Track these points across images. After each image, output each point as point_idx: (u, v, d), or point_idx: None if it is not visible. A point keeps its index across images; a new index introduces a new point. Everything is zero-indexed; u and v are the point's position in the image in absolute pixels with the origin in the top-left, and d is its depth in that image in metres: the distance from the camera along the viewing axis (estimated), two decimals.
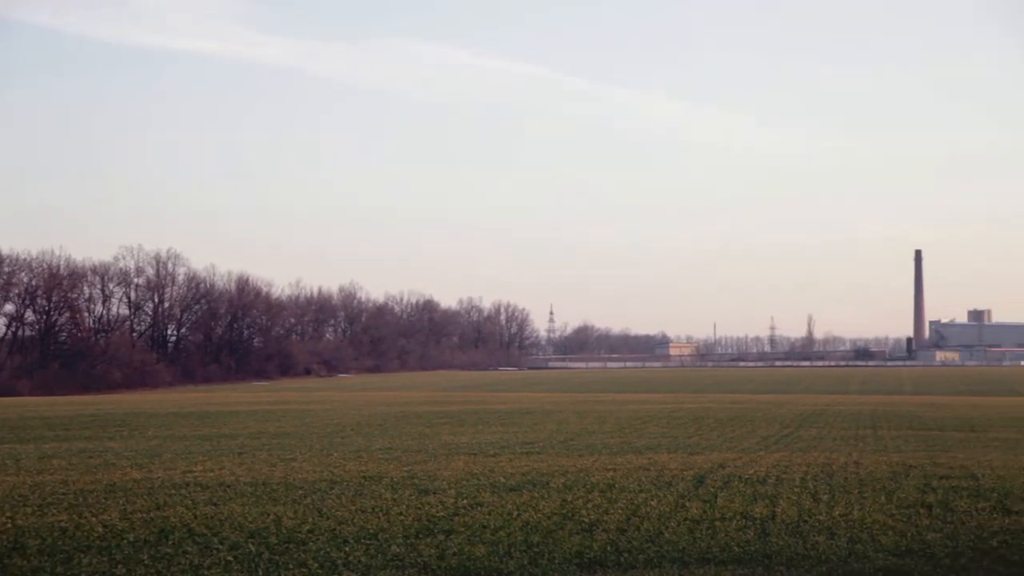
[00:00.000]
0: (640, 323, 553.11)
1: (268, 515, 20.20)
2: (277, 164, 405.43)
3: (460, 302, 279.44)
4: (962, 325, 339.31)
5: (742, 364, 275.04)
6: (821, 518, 19.71)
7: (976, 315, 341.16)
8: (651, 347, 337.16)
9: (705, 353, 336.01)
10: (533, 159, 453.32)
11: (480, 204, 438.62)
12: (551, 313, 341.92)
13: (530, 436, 41.15)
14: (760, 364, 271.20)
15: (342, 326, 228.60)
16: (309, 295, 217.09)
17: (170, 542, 17.70)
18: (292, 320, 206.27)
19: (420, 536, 18.15)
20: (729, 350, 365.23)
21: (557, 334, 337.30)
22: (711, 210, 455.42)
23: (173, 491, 23.97)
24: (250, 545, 17.38)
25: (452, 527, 18.92)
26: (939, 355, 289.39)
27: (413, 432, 43.58)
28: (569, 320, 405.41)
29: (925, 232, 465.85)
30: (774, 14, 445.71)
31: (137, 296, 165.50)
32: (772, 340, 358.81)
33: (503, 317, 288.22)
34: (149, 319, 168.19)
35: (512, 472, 27.29)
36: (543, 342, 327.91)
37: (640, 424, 48.36)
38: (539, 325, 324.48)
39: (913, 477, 25.84)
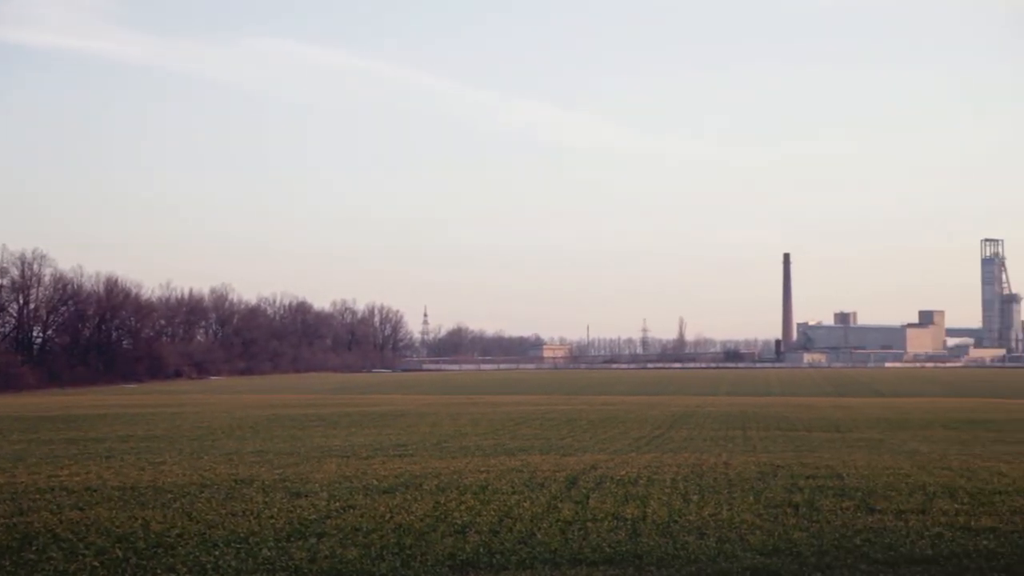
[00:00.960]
0: (514, 325, 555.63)
1: (136, 519, 19.87)
2: (146, 163, 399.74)
3: (334, 304, 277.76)
4: (829, 327, 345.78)
5: (615, 366, 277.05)
6: (691, 518, 19.94)
7: (842, 317, 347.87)
8: (525, 349, 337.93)
9: (578, 355, 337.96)
10: (405, 159, 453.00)
11: (354, 205, 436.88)
12: (425, 315, 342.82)
13: (403, 438, 41.05)
14: (632, 366, 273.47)
15: (213, 328, 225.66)
16: (180, 296, 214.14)
17: (34, 548, 17.32)
18: (162, 322, 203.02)
19: (291, 539, 17.99)
20: (602, 352, 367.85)
21: (431, 336, 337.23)
22: (584, 213, 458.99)
23: (38, 496, 23.47)
24: (117, 550, 17.06)
25: (324, 530, 18.80)
26: (807, 357, 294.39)
27: (285, 435, 43.22)
28: (443, 322, 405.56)
29: (793, 235, 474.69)
30: (650, 20, 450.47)
31: (1, 297, 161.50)
32: (644, 342, 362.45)
33: (377, 319, 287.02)
34: (13, 321, 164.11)
35: (385, 474, 27.21)
36: (417, 344, 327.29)
37: (513, 426, 48.51)
38: (413, 327, 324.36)
39: (780, 477, 26.28)
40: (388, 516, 20.18)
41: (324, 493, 23.46)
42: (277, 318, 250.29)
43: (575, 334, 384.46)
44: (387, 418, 55.18)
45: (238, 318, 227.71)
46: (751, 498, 22.55)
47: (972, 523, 19.59)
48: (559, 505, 21.48)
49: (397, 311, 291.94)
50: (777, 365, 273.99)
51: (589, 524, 19.29)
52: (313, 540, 17.89)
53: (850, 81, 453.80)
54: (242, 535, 18.30)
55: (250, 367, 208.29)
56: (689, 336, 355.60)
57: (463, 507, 21.21)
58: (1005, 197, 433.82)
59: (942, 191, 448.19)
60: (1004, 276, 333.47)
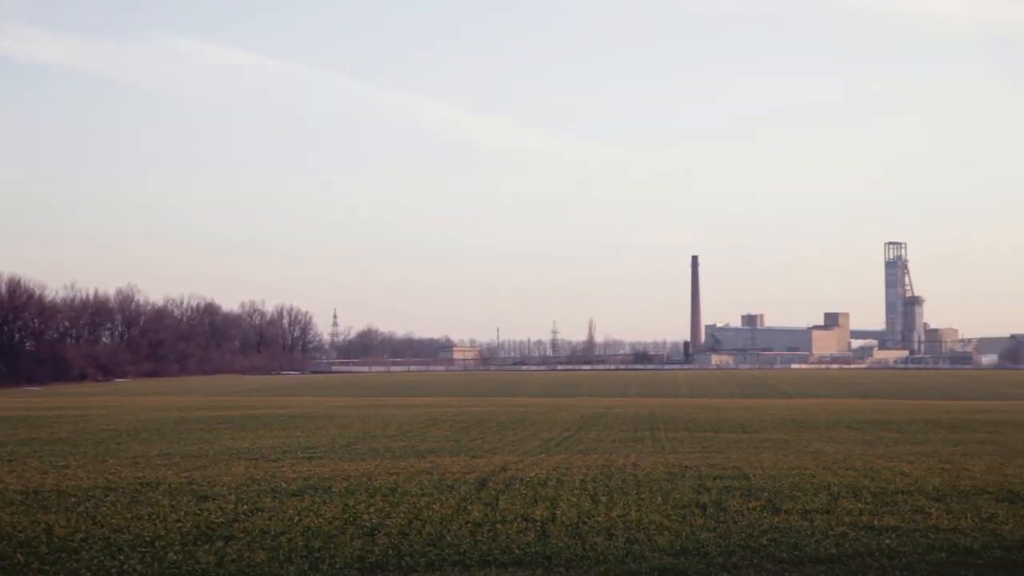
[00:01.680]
0: (424, 327, 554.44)
1: (39, 524, 19.55)
2: (45, 162, 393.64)
3: (242, 305, 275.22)
4: (736, 329, 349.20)
5: (525, 368, 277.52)
6: (600, 519, 20.04)
7: (749, 319, 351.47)
8: (435, 351, 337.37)
9: (488, 357, 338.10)
10: (314, 158, 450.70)
11: (262, 206, 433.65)
12: (335, 317, 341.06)
13: (312, 440, 40.82)
14: (542, 368, 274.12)
15: (119, 330, 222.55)
16: (85, 298, 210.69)
17: None
18: (67, 323, 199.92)
19: (198, 543, 17.81)
20: (512, 354, 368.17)
21: (341, 338, 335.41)
22: (493, 215, 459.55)
23: None
24: (19, 555, 16.78)
25: (231, 533, 18.63)
26: (714, 358, 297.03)
27: (192, 437, 42.78)
28: (353, 324, 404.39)
29: (702, 238, 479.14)
30: (558, 21, 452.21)
31: None
32: (554, 344, 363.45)
33: (286, 320, 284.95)
34: None
35: (293, 477, 27.04)
36: (327, 346, 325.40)
37: (423, 428, 48.43)
38: (323, 329, 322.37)
39: (688, 478, 26.50)
40: (296, 519, 20.05)
41: (232, 496, 23.25)
42: (184, 320, 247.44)
43: (485, 336, 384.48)
44: (296, 420, 54.82)
45: (145, 320, 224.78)
46: (659, 499, 22.71)
47: (875, 522, 19.89)
48: (469, 507, 21.47)
49: (306, 313, 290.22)
50: (685, 367, 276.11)
51: (499, 526, 19.31)
52: (220, 544, 17.72)
53: (752, 85, 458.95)
54: (147, 539, 18.09)
55: (157, 369, 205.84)
56: (599, 338, 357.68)
57: (372, 509, 21.14)
58: (908, 200, 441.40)
59: (847, 194, 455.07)
60: (907, 279, 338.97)
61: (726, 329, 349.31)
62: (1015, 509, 21.63)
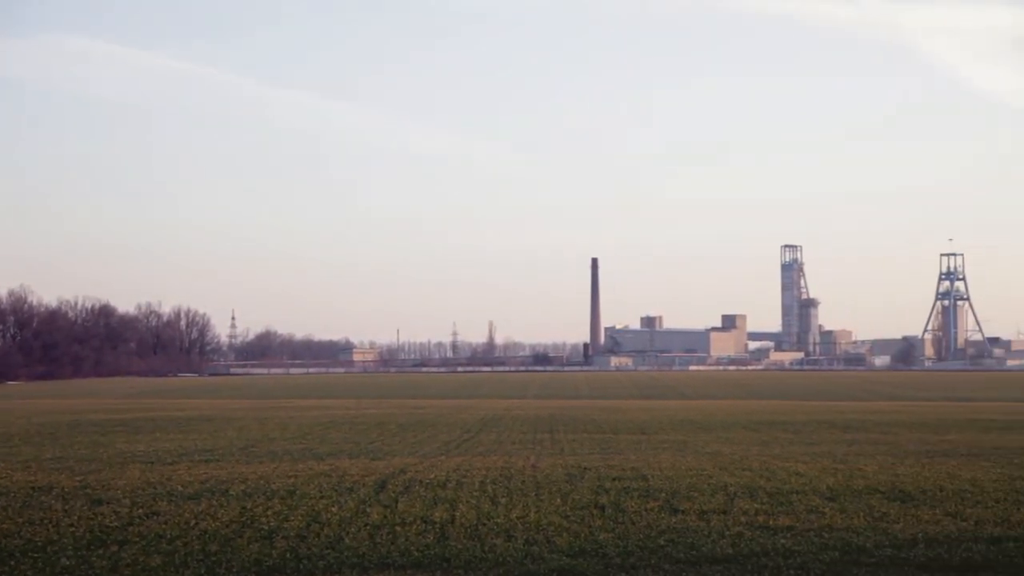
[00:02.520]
0: (324, 329, 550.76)
1: None
2: None
3: (138, 307, 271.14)
4: (635, 331, 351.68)
5: (425, 370, 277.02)
6: (499, 520, 20.07)
7: (648, 321, 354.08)
8: (335, 353, 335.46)
9: (388, 359, 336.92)
10: (210, 161, 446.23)
11: (159, 207, 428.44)
12: (233, 318, 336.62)
13: (209, 443, 40.39)
14: (443, 370, 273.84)
15: (11, 331, 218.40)
16: None
17: None
18: None
19: (92, 547, 17.56)
20: (412, 355, 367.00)
21: (239, 339, 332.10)
22: (393, 216, 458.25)
23: None
24: None
25: (126, 537, 18.39)
26: (614, 360, 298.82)
27: (86, 441, 42.11)
28: (251, 326, 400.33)
29: (601, 240, 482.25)
30: (460, 20, 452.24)
31: None
32: (454, 346, 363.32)
33: (183, 322, 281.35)
34: None
35: (190, 480, 26.75)
36: (225, 348, 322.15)
37: (322, 430, 48.14)
38: (221, 331, 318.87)
39: (587, 479, 26.63)
40: (193, 522, 19.86)
41: (127, 500, 22.95)
42: (79, 321, 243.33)
43: (385, 338, 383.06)
44: (193, 423, 54.22)
45: (38, 321, 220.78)
46: (558, 500, 22.81)
47: (771, 522, 20.16)
48: (368, 509, 21.41)
49: (204, 314, 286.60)
50: (585, 368, 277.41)
51: (398, 528, 19.27)
52: (115, 548, 17.49)
53: (650, 85, 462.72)
54: (40, 544, 17.79)
55: (50, 372, 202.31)
56: (499, 340, 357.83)
57: (270, 512, 20.99)
58: (804, 203, 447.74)
59: (743, 197, 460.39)
60: (803, 281, 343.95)
61: (625, 331, 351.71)
62: (906, 508, 22.04)
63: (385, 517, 20.41)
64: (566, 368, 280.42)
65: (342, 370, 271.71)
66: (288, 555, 16.92)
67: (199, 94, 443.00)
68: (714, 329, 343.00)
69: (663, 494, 23.83)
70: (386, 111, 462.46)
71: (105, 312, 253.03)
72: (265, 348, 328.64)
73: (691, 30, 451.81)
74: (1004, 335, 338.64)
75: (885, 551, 17.54)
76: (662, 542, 18.14)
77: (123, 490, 24.72)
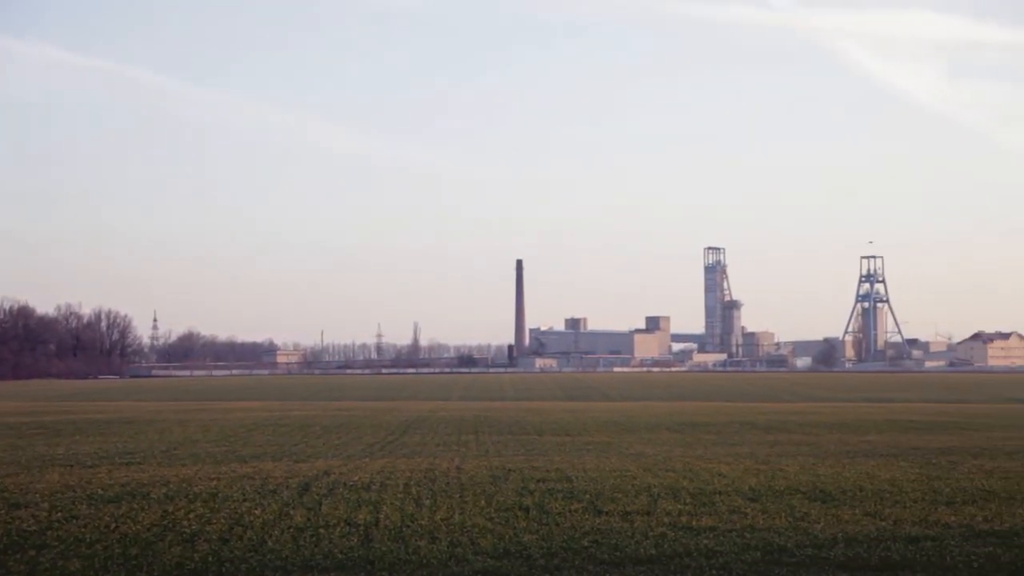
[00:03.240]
0: (247, 330, 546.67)
1: None
2: None
3: (58, 308, 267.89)
4: (560, 333, 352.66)
5: (349, 371, 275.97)
6: (423, 523, 20.05)
7: (573, 323, 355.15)
8: (258, 354, 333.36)
9: (312, 360, 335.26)
10: (127, 159, 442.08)
11: (79, 206, 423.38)
12: (155, 320, 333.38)
13: (130, 446, 39.98)
14: (367, 371, 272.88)
15: None
16: None
17: None
18: None
19: (9, 552, 17.31)
20: (337, 357, 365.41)
21: (161, 341, 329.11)
22: (317, 216, 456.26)
23: None
24: None
25: (44, 541, 18.16)
26: (538, 362, 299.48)
27: (4, 444, 41.51)
28: (174, 327, 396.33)
29: (526, 242, 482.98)
30: (380, 19, 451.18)
31: None
32: (379, 347, 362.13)
33: (104, 324, 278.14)
34: None
35: (110, 483, 26.45)
36: (147, 350, 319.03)
37: (245, 432, 47.82)
38: (142, 332, 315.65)
39: (512, 481, 26.67)
40: (113, 526, 19.65)
41: (45, 503, 22.65)
42: None
43: (309, 339, 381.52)
44: (114, 425, 53.63)
45: None
46: (483, 502, 22.82)
47: (694, 523, 20.29)
48: (291, 512, 21.30)
49: (125, 316, 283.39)
50: (510, 370, 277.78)
51: (321, 530, 19.18)
52: (32, 552, 17.26)
53: (572, 87, 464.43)
54: None
55: None
56: (424, 341, 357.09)
57: (192, 515, 20.82)
58: (726, 206, 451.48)
59: (667, 200, 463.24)
60: (726, 283, 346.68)
61: (550, 333, 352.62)
62: (826, 508, 22.28)
63: (309, 520, 20.32)
64: (491, 370, 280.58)
65: (266, 372, 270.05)
66: (210, 559, 16.79)
67: (125, 94, 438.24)
68: (638, 331, 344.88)
69: (587, 495, 23.92)
70: (308, 111, 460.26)
71: (24, 313, 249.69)
72: (188, 350, 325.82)
73: (610, 32, 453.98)
74: (922, 337, 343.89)
75: (806, 551, 17.72)
76: (586, 543, 18.20)
77: (41, 493, 24.40)
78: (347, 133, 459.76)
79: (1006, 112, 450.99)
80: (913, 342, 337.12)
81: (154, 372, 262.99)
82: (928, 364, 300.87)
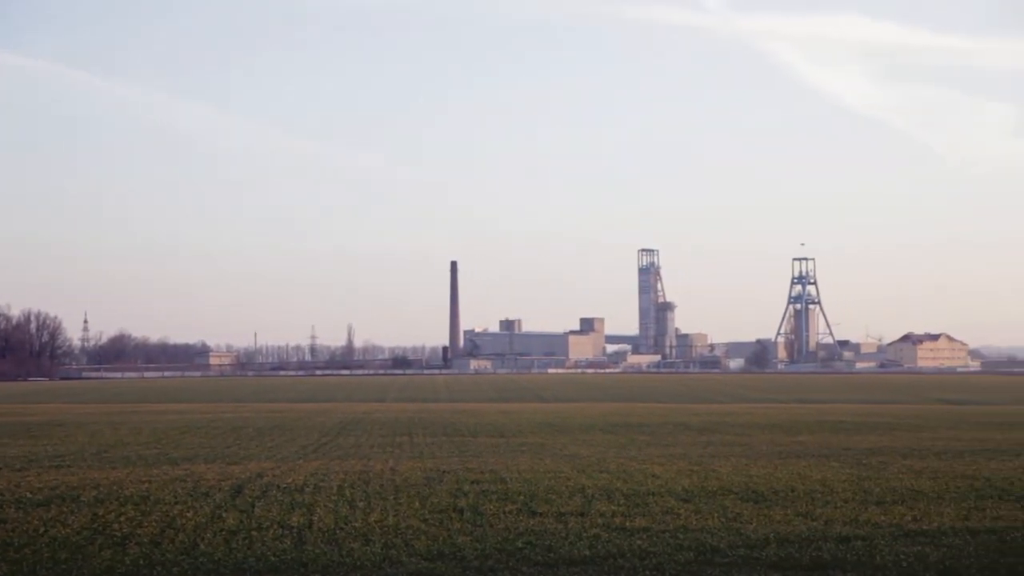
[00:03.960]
0: (179, 332, 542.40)
1: None
2: None
3: None
4: (494, 334, 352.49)
5: (283, 373, 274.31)
6: (357, 525, 19.99)
7: (507, 325, 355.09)
8: (191, 356, 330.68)
9: (246, 362, 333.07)
10: (56, 160, 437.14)
11: (6, 208, 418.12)
12: (85, 322, 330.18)
13: (60, 448, 39.54)
14: (301, 373, 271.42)
15: None
16: None
17: None
18: None
19: None
20: (270, 359, 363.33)
21: (92, 343, 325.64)
22: (248, 218, 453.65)
23: None
24: None
25: None
26: (473, 363, 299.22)
27: None
28: (105, 329, 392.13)
29: (461, 244, 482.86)
30: (314, 19, 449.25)
31: None
32: (313, 349, 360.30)
33: (33, 325, 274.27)
34: None
35: (40, 486, 26.14)
36: (77, 351, 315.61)
37: (178, 435, 47.45)
38: (73, 334, 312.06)
39: (446, 482, 26.66)
40: (42, 530, 19.43)
41: None
42: None
43: (242, 341, 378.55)
44: (43, 428, 53.01)
45: None
46: (417, 503, 22.79)
47: (627, 524, 20.38)
48: (224, 514, 21.16)
49: (55, 317, 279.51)
50: (444, 371, 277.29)
51: (254, 533, 19.08)
52: None
53: (510, 88, 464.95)
54: None
55: None
56: (358, 343, 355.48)
57: (123, 519, 20.63)
58: (660, 208, 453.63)
59: (602, 202, 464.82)
60: (659, 285, 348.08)
61: (484, 334, 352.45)
62: (759, 509, 22.45)
63: (241, 522, 20.20)
64: (425, 371, 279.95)
65: (198, 374, 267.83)
66: (142, 562, 16.65)
67: (50, 92, 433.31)
68: (572, 332, 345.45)
69: (521, 497, 23.95)
70: (244, 113, 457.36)
71: None
72: (119, 351, 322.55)
73: (543, 34, 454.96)
74: (853, 338, 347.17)
75: (738, 551, 17.85)
76: (520, 544, 18.23)
77: None
78: (278, 135, 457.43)
79: (933, 115, 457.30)
80: (844, 343, 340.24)
81: (84, 374, 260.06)
82: (859, 365, 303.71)
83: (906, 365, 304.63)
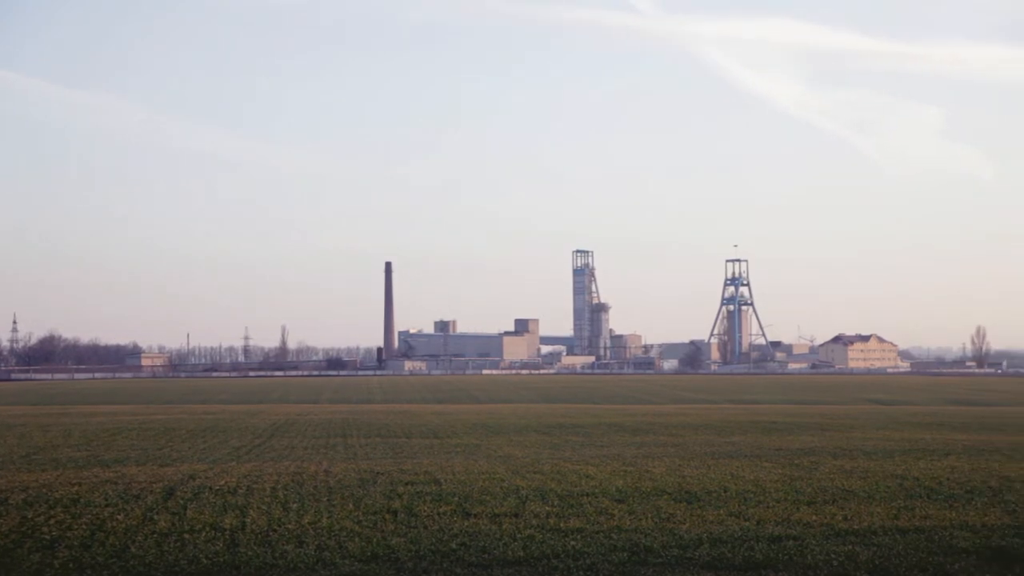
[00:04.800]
0: (111, 333, 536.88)
1: None
2: None
3: None
4: (429, 335, 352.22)
5: (216, 374, 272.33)
6: (291, 527, 19.90)
7: (442, 326, 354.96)
8: (122, 357, 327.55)
9: (178, 363, 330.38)
10: None
11: None
12: (14, 322, 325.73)
13: None
14: (234, 374, 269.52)
15: None
16: None
17: None
18: None
19: None
20: (203, 360, 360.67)
21: (21, 344, 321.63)
22: (183, 218, 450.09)
23: None
24: None
25: None
26: (408, 364, 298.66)
27: None
28: (34, 329, 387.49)
29: (396, 244, 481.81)
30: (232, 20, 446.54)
31: None
32: (246, 350, 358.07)
33: None
34: None
35: None
36: (5, 353, 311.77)
37: (108, 436, 46.96)
38: (1, 335, 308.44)
39: (380, 484, 26.60)
40: None
41: None
42: None
43: (175, 342, 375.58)
44: None
45: None
46: (351, 505, 22.72)
47: (561, 524, 20.43)
48: (155, 517, 20.99)
49: None
50: (379, 373, 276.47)
51: (186, 535, 18.94)
52: None
53: (442, 87, 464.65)
54: None
55: None
56: (292, 344, 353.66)
57: (52, 521, 20.41)
58: (595, 209, 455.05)
59: (536, 202, 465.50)
60: (594, 286, 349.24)
61: (419, 335, 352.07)
62: (692, 509, 22.58)
63: (173, 525, 20.05)
64: (360, 372, 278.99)
65: (130, 375, 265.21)
66: (71, 565, 16.48)
67: None
68: (507, 333, 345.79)
69: (455, 498, 23.94)
70: (179, 112, 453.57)
71: None
72: (49, 353, 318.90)
73: (476, 38, 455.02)
74: (786, 339, 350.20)
75: (672, 551, 17.95)
76: (454, 546, 18.23)
77: None
78: (212, 133, 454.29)
79: (863, 118, 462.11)
80: (777, 344, 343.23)
81: (13, 375, 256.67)
82: (791, 366, 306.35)
83: (837, 366, 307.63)
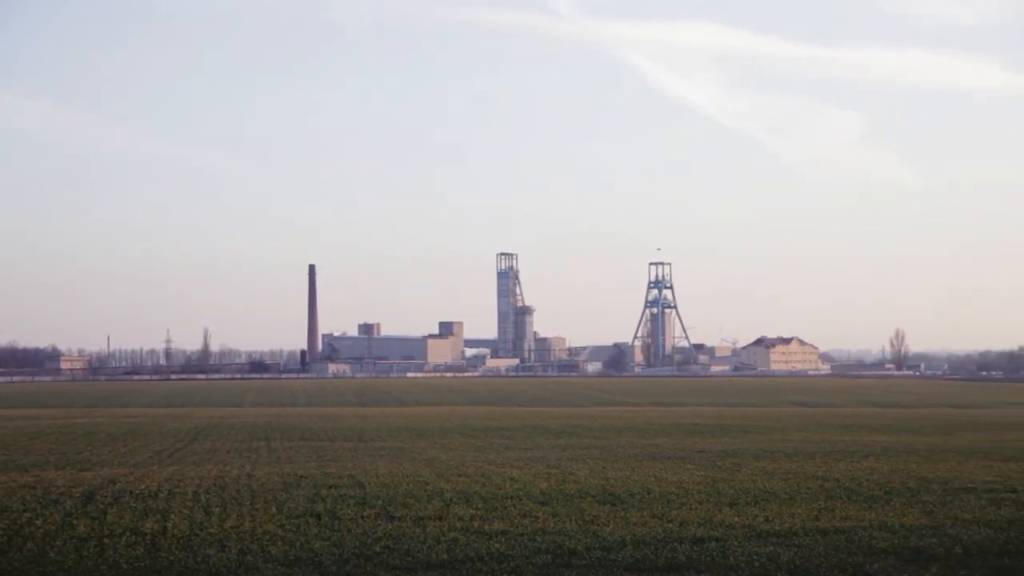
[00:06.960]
0: (29, 335, 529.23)
1: None
2: None
3: None
4: (353, 338, 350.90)
5: (137, 377, 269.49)
6: (213, 531, 19.76)
7: (366, 328, 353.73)
8: (41, 360, 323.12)
9: (98, 366, 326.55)
10: None
11: None
12: None
13: None
14: (155, 378, 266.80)
15: None
16: None
17: None
18: None
19: None
20: (124, 363, 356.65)
21: None
22: (103, 219, 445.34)
23: None
24: None
25: None
26: (331, 367, 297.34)
27: None
28: None
29: (319, 246, 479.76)
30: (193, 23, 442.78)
31: None
32: (168, 353, 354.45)
33: None
34: None
35: None
36: None
37: (26, 440, 46.38)
38: None
39: (304, 487, 26.48)
40: None
41: None
42: None
43: (95, 345, 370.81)
44: None
45: None
46: (274, 509, 22.61)
47: (485, 527, 20.45)
48: (74, 522, 20.75)
49: None
50: (303, 376, 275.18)
51: (106, 540, 18.75)
52: None
53: (368, 92, 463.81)
54: None
55: None
56: (214, 347, 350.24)
57: None
58: (518, 212, 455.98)
59: (461, 205, 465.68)
60: (518, 289, 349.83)
61: (343, 338, 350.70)
62: (615, 511, 22.70)
63: (93, 529, 19.83)
64: (283, 375, 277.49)
65: (48, 378, 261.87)
66: None
67: None
68: (431, 336, 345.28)
69: (379, 501, 23.90)
70: (99, 113, 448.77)
71: None
72: None
73: (400, 36, 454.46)
74: (708, 342, 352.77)
75: (595, 553, 18.02)
76: (378, 549, 18.19)
77: None
78: (131, 134, 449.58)
79: (783, 122, 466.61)
80: (700, 347, 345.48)
81: None
82: (714, 368, 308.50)
83: (759, 368, 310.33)
